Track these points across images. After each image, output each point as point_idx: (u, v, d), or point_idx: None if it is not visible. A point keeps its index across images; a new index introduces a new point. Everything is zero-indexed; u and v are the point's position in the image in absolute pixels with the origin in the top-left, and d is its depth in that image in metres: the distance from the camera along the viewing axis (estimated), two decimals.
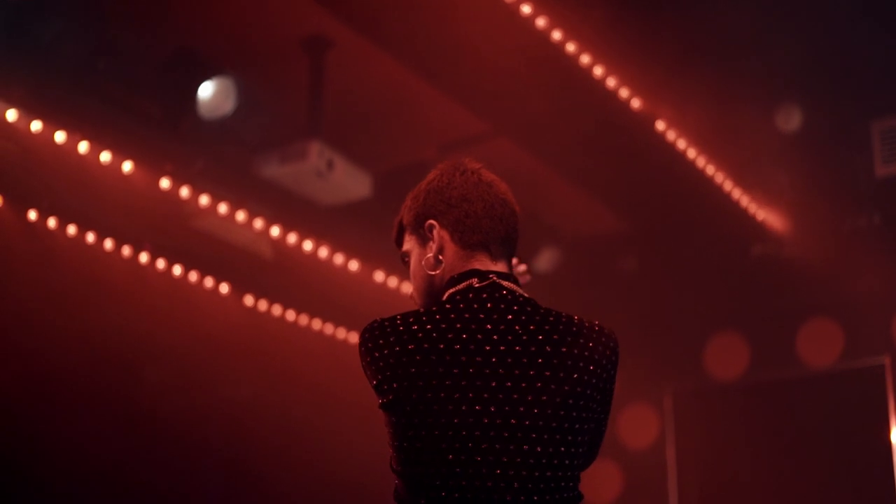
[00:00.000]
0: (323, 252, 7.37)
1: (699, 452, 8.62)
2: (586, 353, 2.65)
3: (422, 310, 2.70)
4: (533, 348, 2.61)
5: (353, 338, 8.13)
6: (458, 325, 2.62)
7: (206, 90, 6.31)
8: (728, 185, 7.73)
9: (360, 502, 7.39)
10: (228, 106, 6.33)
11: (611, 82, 6.63)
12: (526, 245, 2.93)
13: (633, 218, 8.41)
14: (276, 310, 7.73)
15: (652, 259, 8.63)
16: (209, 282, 7.28)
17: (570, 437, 2.59)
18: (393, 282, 7.86)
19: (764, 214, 8.05)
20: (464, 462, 2.52)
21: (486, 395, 2.55)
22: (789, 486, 8.16)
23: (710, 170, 7.55)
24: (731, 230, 8.16)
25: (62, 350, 6.45)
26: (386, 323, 2.67)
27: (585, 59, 6.43)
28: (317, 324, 8.00)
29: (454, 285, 2.75)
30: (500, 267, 2.79)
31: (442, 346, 2.59)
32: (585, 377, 2.63)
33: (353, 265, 7.56)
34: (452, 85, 6.62)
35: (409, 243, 2.90)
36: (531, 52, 6.29)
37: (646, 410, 8.82)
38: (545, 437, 2.56)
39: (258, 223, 6.99)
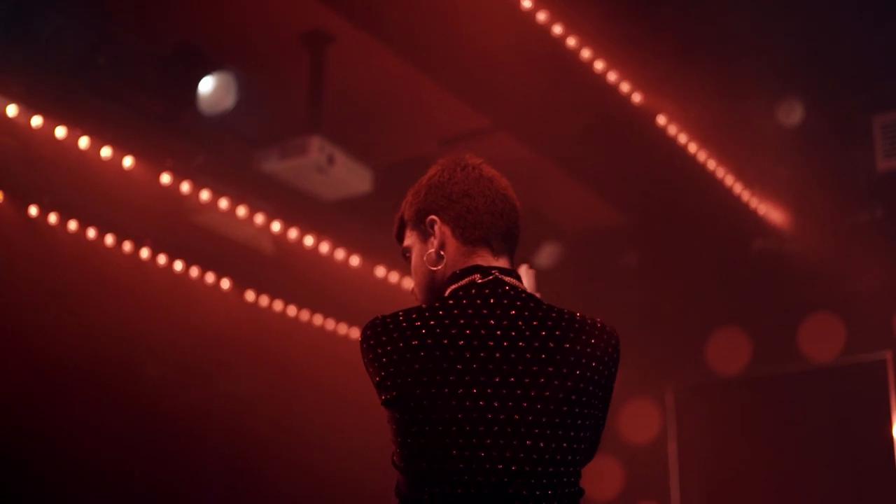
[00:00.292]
0: (324, 247, 7.37)
1: (701, 448, 8.62)
2: (588, 350, 2.65)
3: (424, 305, 2.70)
4: (536, 344, 2.61)
5: (355, 333, 8.13)
6: (462, 321, 2.62)
7: (207, 85, 6.30)
8: (729, 180, 7.73)
9: (361, 498, 7.39)
10: (229, 101, 6.32)
11: (612, 77, 6.62)
12: (526, 240, 2.93)
13: (634, 213, 8.40)
14: (278, 305, 7.72)
15: (653, 254, 8.63)
16: (210, 277, 7.27)
17: (572, 434, 2.60)
18: (394, 277, 7.85)
19: (765, 209, 8.05)
20: (467, 458, 2.52)
21: (489, 391, 2.56)
22: (791, 481, 8.16)
23: (712, 165, 7.54)
24: (733, 225, 8.15)
25: (63, 345, 6.45)
26: (388, 319, 2.66)
27: (586, 53, 6.42)
28: (318, 319, 8.00)
29: (456, 281, 2.74)
30: (503, 262, 2.79)
31: (445, 342, 2.59)
32: (588, 374, 2.63)
33: (355, 260, 7.55)
34: (453, 80, 6.62)
35: (410, 239, 2.90)
36: (532, 47, 6.29)
37: (647, 406, 8.82)
38: (547, 432, 2.56)
39: (259, 218, 6.99)
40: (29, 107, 5.97)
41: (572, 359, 2.62)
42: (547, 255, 8.33)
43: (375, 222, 7.42)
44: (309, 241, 7.28)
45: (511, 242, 2.83)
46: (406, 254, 2.94)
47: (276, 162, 6.63)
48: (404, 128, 7.11)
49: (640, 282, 8.63)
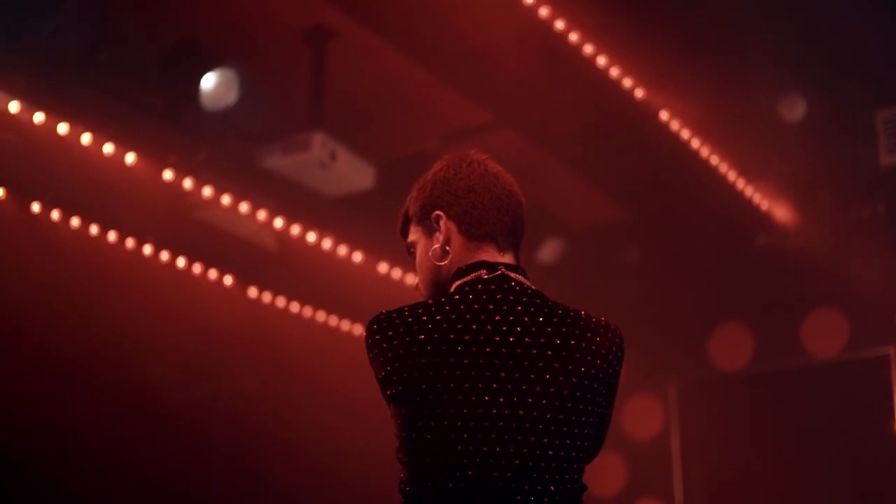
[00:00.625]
0: (326, 243, 7.37)
1: (704, 443, 8.62)
2: (593, 348, 2.66)
3: (430, 301, 2.69)
4: (542, 340, 2.62)
5: (357, 329, 8.13)
6: (468, 316, 2.63)
7: (209, 81, 6.30)
8: (732, 176, 7.72)
9: (365, 494, 7.39)
10: (231, 97, 6.32)
11: (614, 72, 6.61)
12: (529, 235, 2.92)
13: (637, 208, 8.39)
14: (280, 302, 7.72)
15: (656, 250, 8.62)
16: (213, 274, 7.27)
17: (576, 430, 2.61)
18: (397, 273, 7.85)
19: (768, 205, 8.04)
20: (472, 453, 2.53)
21: (495, 386, 2.56)
22: (794, 477, 8.16)
23: (715, 160, 7.53)
24: (735, 220, 8.14)
25: (65, 342, 6.45)
26: (393, 314, 2.67)
27: (589, 49, 6.41)
28: (321, 316, 7.99)
29: (462, 276, 2.75)
30: (508, 258, 2.79)
31: (452, 337, 2.60)
32: (592, 371, 2.64)
33: (357, 256, 7.55)
34: (455, 75, 6.61)
35: (415, 234, 2.90)
36: (534, 43, 6.28)
37: (650, 401, 8.82)
38: (552, 428, 2.57)
39: (262, 215, 6.99)
40: (31, 103, 5.97)
41: (577, 355, 2.63)
42: (549, 250, 8.33)
43: (378, 218, 7.41)
44: (311, 237, 7.28)
45: (516, 238, 2.83)
46: (410, 249, 2.94)
47: (278, 158, 6.63)
48: (406, 124, 7.10)
49: (642, 277, 8.62)
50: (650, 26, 6.37)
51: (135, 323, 6.79)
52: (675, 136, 7.20)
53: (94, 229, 6.63)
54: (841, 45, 6.57)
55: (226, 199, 6.79)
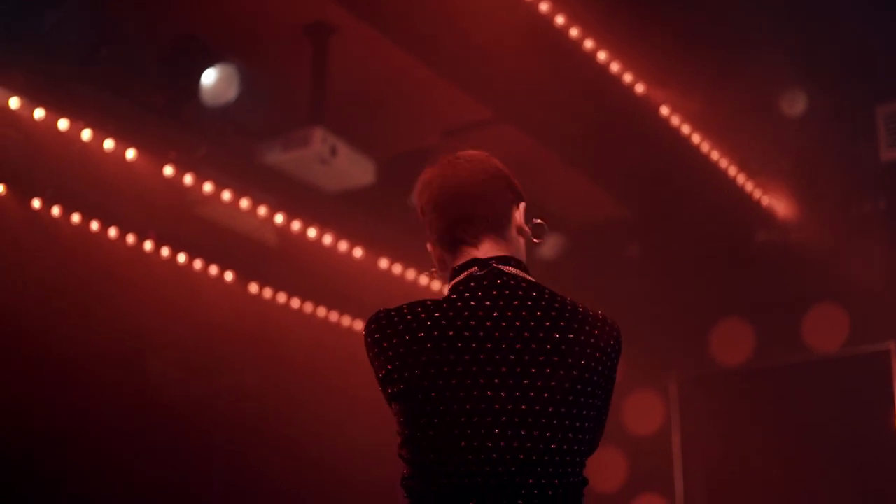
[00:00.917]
0: (327, 239, 7.37)
1: (704, 439, 8.63)
2: (592, 341, 2.66)
3: (428, 301, 2.70)
4: (541, 334, 2.62)
5: (358, 326, 8.13)
6: (466, 313, 2.63)
7: (209, 77, 6.30)
8: (733, 171, 7.72)
9: (367, 490, 7.41)
10: (231, 93, 6.32)
11: (614, 67, 6.61)
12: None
13: (638, 204, 8.40)
14: (281, 297, 7.72)
15: (656, 245, 8.62)
16: (213, 269, 7.27)
17: (577, 424, 2.61)
18: (398, 269, 7.85)
19: (768, 200, 8.04)
20: (475, 448, 2.53)
21: (496, 381, 2.57)
22: (794, 471, 8.17)
23: (715, 155, 7.53)
24: (736, 216, 8.15)
25: (66, 338, 6.45)
26: (392, 313, 2.68)
27: (588, 44, 6.41)
28: (321, 311, 7.99)
29: (456, 276, 2.76)
30: (489, 246, 2.77)
31: (451, 334, 2.60)
32: (592, 364, 2.64)
33: (358, 252, 7.55)
34: (455, 71, 6.61)
35: None
36: (534, 38, 6.28)
37: (651, 397, 8.83)
38: (554, 422, 2.57)
39: (262, 210, 6.99)
40: (31, 99, 5.97)
41: (577, 349, 2.63)
42: (550, 246, 8.33)
43: (378, 214, 7.42)
44: (312, 232, 7.28)
45: (482, 220, 2.79)
46: None
47: (278, 154, 6.63)
48: (407, 119, 7.10)
49: (643, 273, 8.62)
50: (650, 22, 6.37)
51: (136, 319, 6.79)
52: (675, 132, 7.20)
53: (94, 225, 6.63)
54: (841, 41, 6.57)
55: (226, 195, 6.79)
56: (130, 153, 6.35)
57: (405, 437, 2.62)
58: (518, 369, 2.58)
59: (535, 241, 2.87)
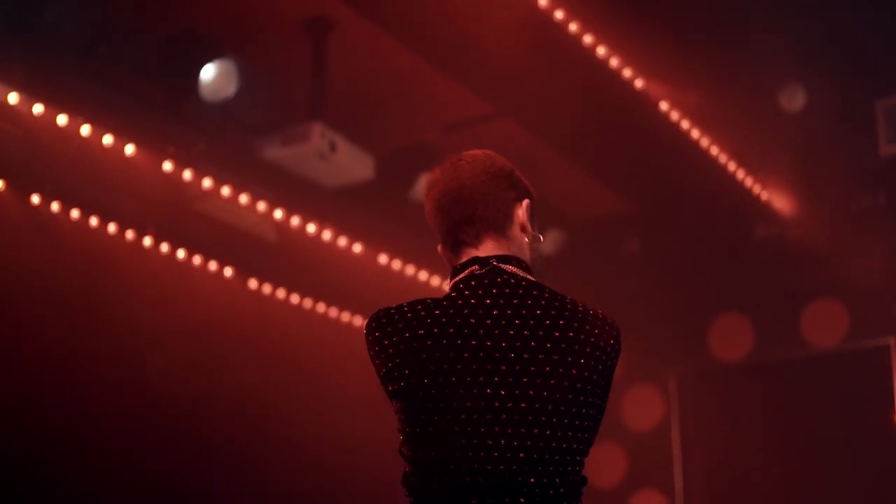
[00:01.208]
0: (326, 235, 7.36)
1: (704, 434, 8.63)
2: (592, 340, 2.66)
3: (429, 299, 2.70)
4: (541, 333, 2.62)
5: (357, 321, 8.13)
6: (466, 311, 2.63)
7: (208, 72, 6.29)
8: (732, 166, 7.72)
9: (365, 485, 7.40)
10: (230, 88, 6.32)
11: (614, 62, 6.61)
12: None
13: (637, 199, 8.39)
14: (280, 293, 7.72)
15: (656, 240, 8.63)
16: (213, 265, 7.26)
17: (576, 422, 2.61)
18: (397, 264, 7.85)
19: (768, 195, 8.04)
20: (476, 446, 2.53)
21: (496, 379, 2.57)
22: (794, 467, 8.17)
23: (714, 150, 7.54)
24: (735, 211, 8.15)
25: (64, 334, 6.44)
26: (392, 311, 2.69)
27: (588, 39, 6.41)
28: (321, 307, 7.99)
29: (457, 274, 2.76)
30: (490, 246, 2.78)
31: (451, 331, 2.60)
32: (591, 362, 2.64)
33: (357, 248, 7.55)
34: (454, 66, 6.61)
35: None
36: (533, 33, 6.28)
37: (650, 392, 8.83)
38: (553, 420, 2.57)
39: (261, 206, 6.98)
40: (30, 95, 5.97)
41: (576, 347, 2.63)
42: (550, 241, 8.32)
43: (378, 209, 7.42)
44: (311, 228, 7.27)
45: (480, 222, 2.79)
46: None
47: (277, 149, 6.62)
48: (406, 114, 7.10)
49: (643, 268, 8.63)
50: (650, 17, 6.37)
51: (135, 315, 6.79)
52: (674, 127, 7.20)
53: (93, 221, 6.62)
54: (841, 35, 6.57)
55: (225, 191, 6.79)
56: (129, 149, 6.34)
57: (406, 434, 2.62)
58: (518, 367, 2.58)
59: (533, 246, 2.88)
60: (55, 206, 6.45)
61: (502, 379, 2.57)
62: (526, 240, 2.85)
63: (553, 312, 2.65)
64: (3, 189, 6.23)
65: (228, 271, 7.34)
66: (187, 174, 6.61)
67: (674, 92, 7.00)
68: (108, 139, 6.25)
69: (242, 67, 6.37)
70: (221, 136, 6.79)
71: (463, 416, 2.55)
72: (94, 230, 6.64)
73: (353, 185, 7.05)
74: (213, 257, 7.26)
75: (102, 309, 6.65)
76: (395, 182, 7.15)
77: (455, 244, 2.80)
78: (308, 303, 7.90)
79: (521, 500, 2.53)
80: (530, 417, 2.55)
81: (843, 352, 8.17)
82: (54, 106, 6.05)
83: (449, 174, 2.83)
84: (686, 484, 8.62)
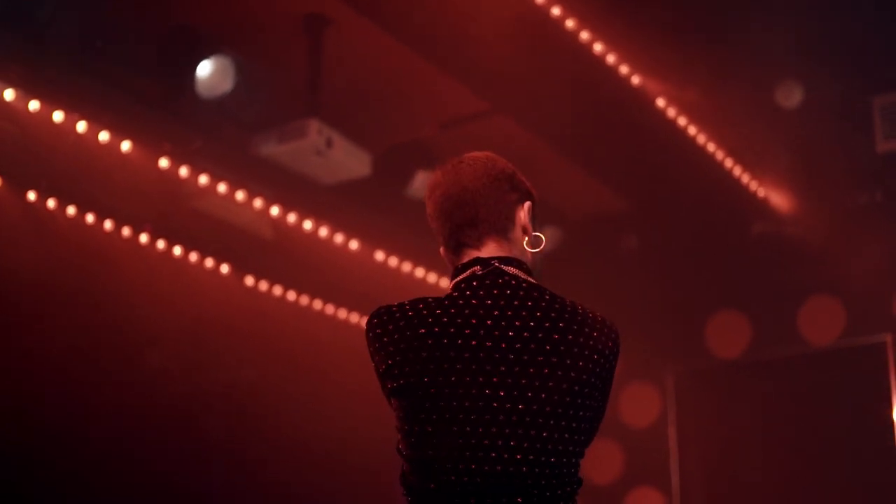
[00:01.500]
0: (323, 231, 7.36)
1: (701, 431, 8.63)
2: (591, 343, 2.68)
3: (430, 298, 2.71)
4: (540, 335, 2.64)
5: (354, 318, 8.12)
6: (467, 311, 2.65)
7: (205, 69, 6.29)
8: (729, 163, 7.72)
9: (363, 482, 7.39)
10: (227, 84, 6.31)
11: (610, 59, 6.61)
12: None
13: (634, 196, 8.39)
14: (277, 290, 7.71)
15: (653, 238, 8.62)
16: (209, 262, 7.26)
17: (574, 424, 2.63)
18: (393, 261, 7.84)
19: (765, 192, 8.04)
20: (474, 446, 2.55)
21: (495, 380, 2.59)
22: (791, 465, 8.17)
23: (711, 147, 7.53)
24: (732, 208, 8.15)
25: (61, 331, 6.44)
26: (394, 308, 2.70)
27: (585, 35, 6.41)
28: (317, 304, 7.98)
29: (459, 274, 2.78)
30: (492, 248, 2.79)
31: (452, 331, 2.62)
32: (590, 365, 2.66)
33: (354, 244, 7.54)
34: (452, 63, 6.60)
35: None
36: (530, 30, 6.27)
37: (647, 389, 8.83)
38: (551, 422, 2.59)
39: (258, 203, 6.98)
40: (26, 91, 5.96)
41: (576, 350, 2.65)
42: (547, 239, 8.31)
43: (374, 206, 7.41)
44: (308, 225, 7.27)
45: (482, 225, 2.81)
46: None
47: (274, 145, 6.61)
48: (403, 111, 7.10)
49: (640, 265, 8.62)
50: (646, 13, 6.37)
51: (131, 311, 6.78)
52: (671, 124, 7.20)
53: (90, 218, 6.61)
54: (838, 32, 6.56)
55: (222, 187, 6.78)
56: (125, 145, 6.34)
57: (404, 432, 2.64)
58: (517, 369, 2.60)
59: (531, 250, 2.87)
60: (51, 203, 6.44)
61: (501, 379, 2.58)
62: (527, 241, 2.86)
63: (553, 315, 2.67)
64: None
65: (225, 268, 7.34)
66: (184, 171, 6.61)
67: (671, 89, 6.99)
68: (104, 136, 6.25)
69: (239, 64, 6.36)
70: (218, 133, 6.78)
71: (461, 416, 2.56)
72: (91, 227, 6.63)
73: (349, 182, 7.04)
74: (210, 254, 7.25)
75: (98, 306, 6.64)
76: (392, 179, 7.14)
77: (457, 246, 2.82)
78: (304, 300, 7.90)
79: (518, 499, 2.55)
80: (528, 418, 2.57)
81: (840, 349, 8.17)
82: (50, 103, 6.04)
83: (451, 177, 2.84)
84: (683, 481, 8.62)
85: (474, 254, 2.79)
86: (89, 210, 6.60)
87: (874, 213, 7.81)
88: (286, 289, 7.76)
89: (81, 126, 6.16)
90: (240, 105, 6.61)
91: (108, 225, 6.69)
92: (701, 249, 8.41)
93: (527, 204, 2.87)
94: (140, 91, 6.37)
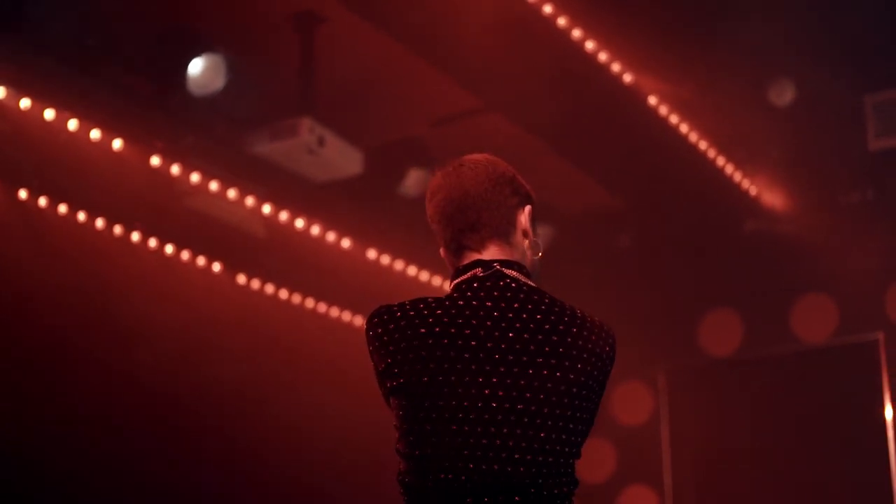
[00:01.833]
0: (315, 229, 7.35)
1: (693, 429, 8.63)
2: (589, 346, 2.70)
3: (430, 298, 2.73)
4: (539, 337, 2.65)
5: (346, 316, 8.13)
6: (467, 312, 2.66)
7: (196, 67, 6.28)
8: (721, 161, 7.73)
9: (359, 480, 7.39)
10: (219, 82, 6.30)
11: (602, 56, 6.61)
12: None
13: (626, 194, 8.40)
14: (269, 288, 7.70)
15: (645, 235, 8.63)
16: (201, 260, 7.25)
17: (571, 426, 2.64)
18: (385, 259, 7.84)
19: (757, 190, 8.04)
20: (472, 445, 2.56)
21: (494, 380, 2.60)
22: (783, 462, 8.18)
23: (703, 145, 7.54)
24: (724, 206, 8.15)
25: (53, 330, 6.43)
26: (394, 307, 2.70)
27: (577, 33, 6.41)
28: (309, 302, 7.98)
29: (460, 275, 2.79)
30: (494, 251, 2.80)
31: (452, 331, 2.63)
32: (588, 367, 2.68)
33: (346, 242, 7.54)
34: (444, 60, 6.60)
35: None
36: (522, 27, 6.28)
37: (640, 388, 8.83)
38: (549, 423, 2.61)
39: (250, 201, 6.97)
40: (18, 89, 5.94)
41: (574, 353, 2.67)
42: (540, 237, 8.30)
43: (366, 204, 7.41)
44: (300, 223, 7.26)
45: (484, 229, 2.82)
46: None
47: (266, 143, 6.61)
48: (395, 109, 7.09)
49: (632, 263, 8.63)
50: (638, 11, 6.37)
51: (122, 310, 6.77)
52: (663, 121, 7.20)
53: (81, 216, 6.60)
54: (831, 30, 6.56)
55: (214, 186, 6.78)
56: (117, 143, 6.33)
57: (403, 431, 2.64)
58: (516, 369, 2.61)
59: (531, 254, 2.88)
60: (43, 202, 6.43)
61: (500, 380, 2.60)
62: (527, 244, 2.87)
63: (552, 318, 2.69)
64: None
65: (217, 266, 7.33)
66: (175, 169, 6.60)
67: (663, 86, 6.99)
68: (95, 134, 6.24)
69: (231, 62, 6.35)
70: (210, 131, 6.77)
71: (460, 415, 2.58)
72: (82, 225, 6.62)
73: (341, 180, 7.04)
74: (202, 252, 7.25)
75: (90, 304, 6.63)
76: (385, 177, 7.14)
77: (458, 249, 2.83)
78: (296, 298, 7.89)
79: (516, 498, 2.57)
80: (526, 419, 2.59)
81: (833, 347, 8.18)
82: (41, 101, 6.03)
83: (452, 181, 2.84)
84: (675, 479, 8.62)
85: (476, 256, 2.80)
86: (81, 208, 6.59)
87: (867, 210, 7.82)
88: (278, 287, 7.76)
89: (73, 124, 6.15)
90: (232, 103, 6.60)
91: (99, 223, 6.68)
92: (693, 247, 8.42)
93: (527, 208, 2.88)
94: (132, 89, 6.36)
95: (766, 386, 8.44)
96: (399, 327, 2.66)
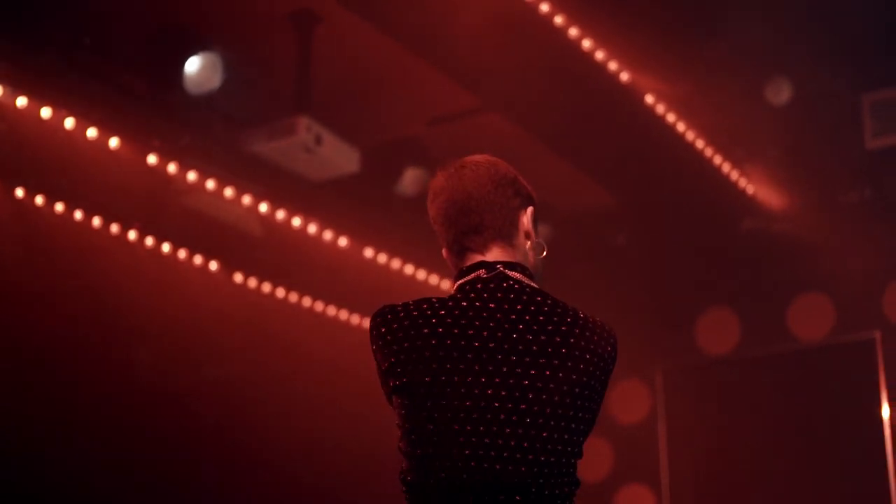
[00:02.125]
0: (312, 228, 7.35)
1: (690, 428, 8.63)
2: (591, 347, 2.71)
3: (434, 299, 2.74)
4: (542, 338, 2.67)
5: (343, 315, 8.12)
6: (471, 313, 2.68)
7: (193, 65, 6.27)
8: (718, 160, 7.72)
9: (358, 482, 7.39)
10: (215, 81, 6.30)
11: (599, 55, 6.60)
12: None
13: (623, 193, 8.39)
14: (266, 287, 7.70)
15: (642, 234, 8.63)
16: (198, 259, 7.25)
17: (573, 426, 2.66)
18: (382, 258, 7.84)
19: (754, 189, 8.04)
20: (474, 444, 2.58)
21: (497, 380, 2.62)
22: (780, 461, 8.17)
23: (700, 144, 7.53)
24: (722, 205, 8.15)
25: (49, 329, 6.43)
26: (398, 307, 2.72)
27: (574, 32, 6.40)
28: (307, 301, 7.98)
29: (463, 276, 2.80)
30: (497, 252, 2.81)
31: (456, 331, 2.65)
32: (590, 368, 2.70)
33: (343, 241, 7.53)
34: (441, 59, 6.60)
35: None
36: (520, 27, 6.27)
37: (637, 386, 8.82)
38: (551, 423, 2.62)
39: (247, 199, 6.97)
40: (14, 87, 5.94)
41: (576, 353, 2.68)
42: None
43: (363, 203, 7.40)
44: (297, 221, 7.26)
45: (487, 231, 2.83)
46: None
47: (263, 142, 6.61)
48: (392, 108, 7.09)
49: (629, 262, 8.63)
50: (635, 9, 6.37)
51: (119, 308, 6.77)
52: (660, 120, 7.20)
53: (78, 214, 6.60)
54: (828, 29, 6.56)
55: (210, 184, 6.77)
56: (114, 142, 6.32)
57: (405, 430, 2.66)
58: (518, 370, 2.63)
59: (533, 256, 2.89)
60: (39, 200, 6.43)
61: (503, 381, 2.62)
62: (529, 245, 2.88)
63: (555, 319, 2.71)
64: None
65: (214, 265, 7.33)
66: (172, 167, 6.59)
67: (660, 85, 6.99)
68: (92, 132, 6.23)
69: (228, 60, 6.35)
70: (207, 130, 6.76)
71: (462, 415, 2.59)
72: (79, 223, 6.62)
73: (339, 179, 7.04)
74: (199, 251, 7.25)
75: (87, 303, 6.63)
76: (382, 176, 7.14)
77: (461, 250, 2.85)
78: (293, 297, 7.89)
79: (517, 497, 2.59)
80: (528, 419, 2.60)
81: (830, 345, 8.18)
82: (38, 99, 6.02)
83: (454, 183, 2.85)
84: (673, 478, 8.62)
85: (479, 258, 2.81)
86: (77, 207, 6.59)
87: (863, 209, 7.82)
88: (275, 286, 7.76)
89: (69, 122, 6.14)
90: (229, 102, 6.60)
91: (96, 222, 6.68)
92: (690, 246, 8.41)
93: (529, 209, 2.89)
94: (128, 87, 6.36)
95: (764, 385, 8.44)
96: (403, 327, 2.67)
